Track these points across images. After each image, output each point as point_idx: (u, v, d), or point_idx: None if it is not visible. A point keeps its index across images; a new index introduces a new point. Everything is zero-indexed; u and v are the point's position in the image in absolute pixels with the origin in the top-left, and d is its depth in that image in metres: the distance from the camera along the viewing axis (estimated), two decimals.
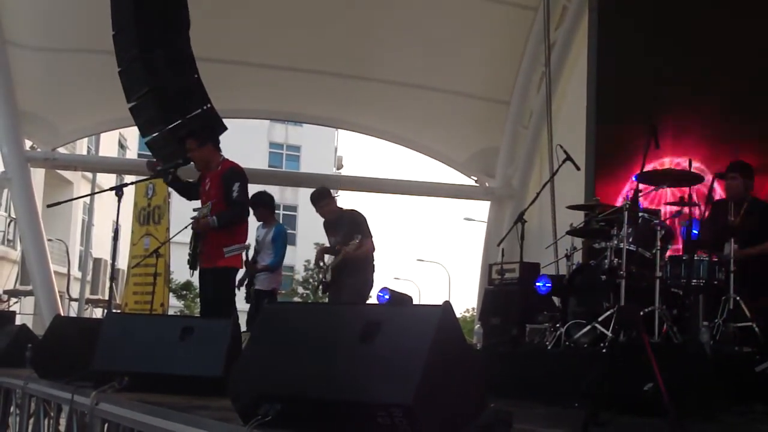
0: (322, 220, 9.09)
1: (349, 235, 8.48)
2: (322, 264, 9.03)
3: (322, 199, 9.07)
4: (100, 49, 10.64)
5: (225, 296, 7.70)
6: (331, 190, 9.45)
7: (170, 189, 12.96)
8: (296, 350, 3.43)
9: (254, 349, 3.64)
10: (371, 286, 8.93)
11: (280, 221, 10.52)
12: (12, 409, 7.98)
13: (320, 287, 9.06)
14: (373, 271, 8.92)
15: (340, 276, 8.70)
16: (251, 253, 9.47)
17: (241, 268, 7.94)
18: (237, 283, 8.72)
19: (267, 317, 3.63)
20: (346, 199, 46.27)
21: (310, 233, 44.60)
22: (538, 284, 8.86)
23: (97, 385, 5.15)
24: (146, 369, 5.21)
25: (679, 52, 10.01)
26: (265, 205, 9.71)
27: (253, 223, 8.84)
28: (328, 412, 3.23)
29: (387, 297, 8.48)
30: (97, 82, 12.60)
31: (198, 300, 35.97)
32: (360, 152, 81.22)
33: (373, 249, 8.84)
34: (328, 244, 9.20)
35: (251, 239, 9.60)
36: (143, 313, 11.43)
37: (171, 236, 11.82)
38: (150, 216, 13.01)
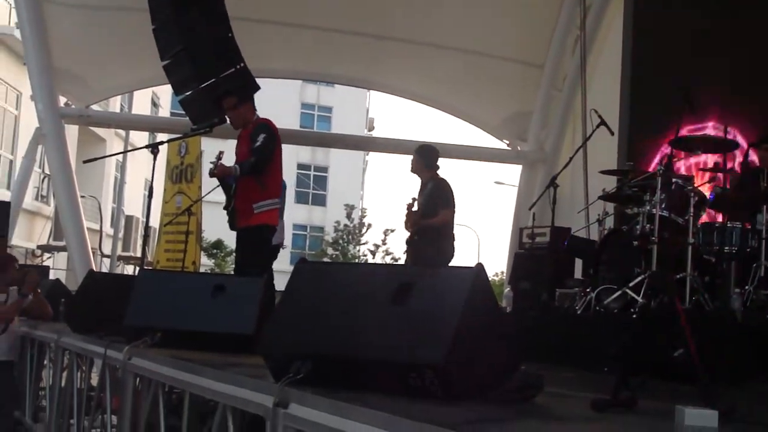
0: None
1: (430, 203, 8.39)
2: (409, 227, 8.81)
3: (423, 155, 8.88)
4: (135, 6, 10.65)
5: (258, 257, 7.59)
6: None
7: (203, 148, 13.06)
8: (328, 309, 3.45)
9: (286, 308, 3.66)
10: (451, 257, 8.72)
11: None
12: (45, 362, 8.09)
13: (407, 243, 8.89)
14: (454, 239, 8.76)
15: (422, 238, 8.61)
16: None
17: (276, 225, 7.82)
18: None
19: (300, 276, 3.64)
20: (377, 161, 46.24)
21: (339, 195, 44.69)
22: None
23: (129, 340, 5.20)
24: (178, 326, 5.25)
25: (719, 13, 9.87)
26: None
27: None
28: (359, 372, 3.25)
29: None
30: (131, 39, 12.64)
31: (228, 259, 36.12)
32: (391, 114, 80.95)
33: (452, 221, 8.71)
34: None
35: None
36: (175, 270, 11.50)
37: (203, 195, 11.85)
38: (182, 174, 13.06)
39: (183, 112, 9.73)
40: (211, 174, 7.37)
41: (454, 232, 8.79)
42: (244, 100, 7.66)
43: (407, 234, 8.76)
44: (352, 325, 3.31)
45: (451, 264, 8.74)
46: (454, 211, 8.66)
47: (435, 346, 3.02)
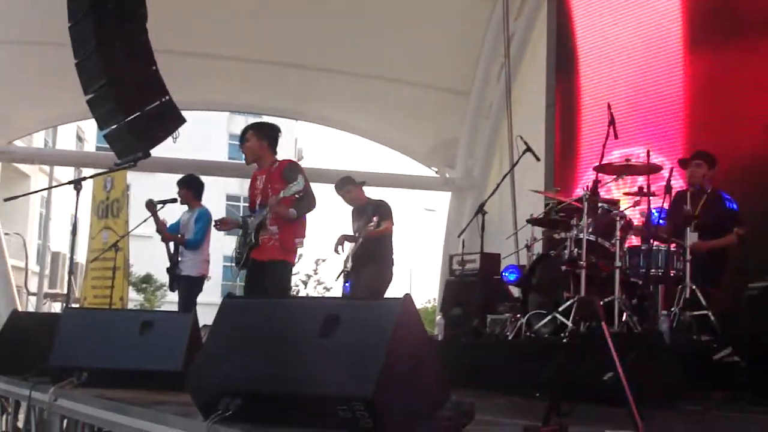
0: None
1: (370, 219, 8.45)
2: (340, 250, 8.91)
3: (344, 186, 8.99)
4: (57, 41, 10.50)
5: (286, 289, 7.58)
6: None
7: (129, 181, 12.93)
8: (256, 344, 3.41)
9: (214, 344, 3.61)
10: (390, 278, 8.84)
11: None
12: None
13: (341, 276, 8.93)
14: (393, 264, 8.87)
15: (359, 265, 8.65)
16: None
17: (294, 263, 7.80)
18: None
19: (226, 311, 3.60)
20: None
21: None
22: (504, 273, 8.91)
23: (55, 380, 5.09)
24: (105, 364, 5.16)
25: (635, 42, 10.06)
26: (189, 186, 9.59)
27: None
28: (288, 407, 3.21)
29: None
30: (53, 74, 12.44)
31: (158, 293, 35.56)
32: (320, 144, 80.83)
33: (392, 236, 8.77)
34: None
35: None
36: (102, 307, 11.32)
37: (131, 229, 11.70)
38: (109, 209, 12.88)
39: (108, 147, 9.60)
40: (272, 208, 7.21)
41: (393, 256, 8.86)
42: (263, 137, 7.59)
43: (341, 265, 8.81)
44: (281, 359, 3.28)
45: (389, 289, 8.84)
46: (392, 226, 8.77)
47: (364, 379, 3.00)
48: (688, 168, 7.51)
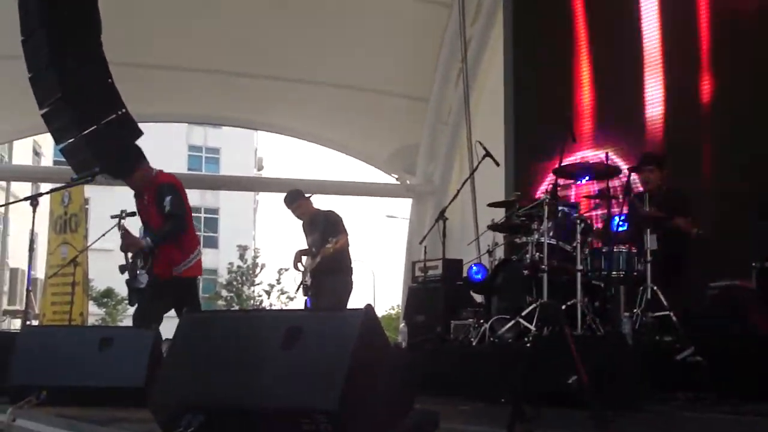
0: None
1: (325, 236, 8.43)
2: (300, 267, 8.89)
3: (294, 201, 8.96)
4: (8, 54, 10.39)
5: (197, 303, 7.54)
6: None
7: (87, 195, 12.80)
8: (218, 359, 3.37)
9: (175, 359, 3.57)
10: (351, 288, 8.84)
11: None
12: None
13: (301, 290, 8.92)
14: (352, 272, 8.88)
15: (320, 278, 8.63)
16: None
17: (201, 274, 7.74)
18: (120, 267, 8.67)
19: (186, 326, 3.56)
20: (268, 200, 45.97)
21: (232, 236, 44.22)
22: (470, 272, 8.90)
23: (14, 400, 5.01)
24: (65, 382, 5.09)
25: (591, 46, 10.12)
26: None
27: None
28: (252, 421, 3.18)
29: None
30: (7, 89, 12.32)
31: (119, 307, 35.28)
32: (280, 153, 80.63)
33: (348, 248, 8.79)
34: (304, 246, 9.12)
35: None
36: (62, 323, 11.19)
37: (90, 243, 11.58)
38: (67, 224, 12.76)
39: (64, 160, 9.49)
40: (122, 249, 7.23)
41: (352, 265, 8.86)
42: (134, 167, 7.53)
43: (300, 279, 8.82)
44: (243, 373, 3.25)
45: (351, 297, 8.84)
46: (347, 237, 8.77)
47: (327, 391, 2.97)
48: (641, 174, 7.56)
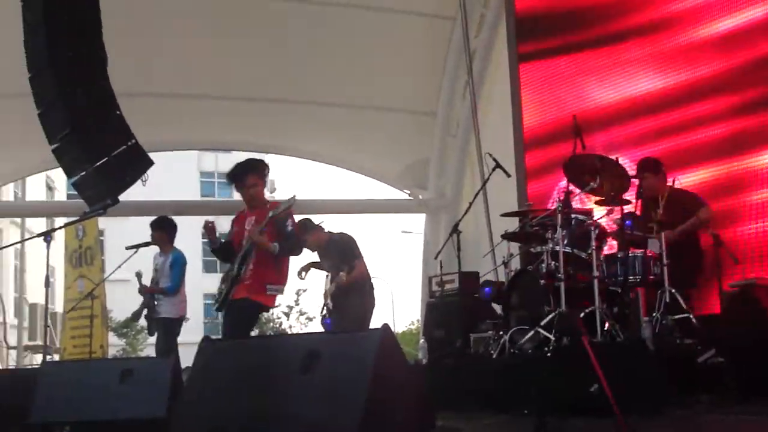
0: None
1: (341, 259, 8.48)
2: (303, 275, 8.93)
3: (304, 234, 8.95)
4: (16, 92, 10.44)
5: (246, 330, 7.39)
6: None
7: (101, 227, 12.84)
8: (237, 385, 3.38)
9: (194, 388, 3.57)
10: (373, 306, 9.03)
11: None
12: None
13: (322, 313, 8.99)
14: (372, 290, 9.03)
15: (340, 301, 8.69)
16: (146, 281, 9.51)
17: (273, 307, 7.74)
18: (132, 315, 8.72)
19: (205, 354, 3.56)
20: None
21: None
22: (481, 292, 8.90)
23: None
24: (88, 416, 5.10)
25: (597, 52, 10.10)
26: (163, 228, 9.58)
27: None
28: None
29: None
30: (17, 126, 12.37)
31: (139, 337, 35.34)
32: (292, 174, 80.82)
33: (366, 270, 8.83)
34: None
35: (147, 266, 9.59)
36: (83, 356, 11.23)
37: (106, 276, 11.63)
38: (82, 257, 12.81)
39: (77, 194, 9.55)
40: (253, 238, 7.13)
41: (372, 281, 8.93)
42: (263, 180, 7.53)
43: (321, 301, 8.90)
44: (263, 400, 3.25)
45: (372, 316, 8.98)
46: (362, 261, 8.81)
47: (348, 414, 2.97)
48: (641, 182, 7.56)
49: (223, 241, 7.62)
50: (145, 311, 9.43)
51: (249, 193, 7.56)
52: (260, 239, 7.13)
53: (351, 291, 8.68)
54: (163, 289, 9.34)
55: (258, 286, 7.26)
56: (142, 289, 9.47)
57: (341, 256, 8.58)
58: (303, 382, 3.17)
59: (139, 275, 9.42)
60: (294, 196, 7.10)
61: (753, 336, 5.89)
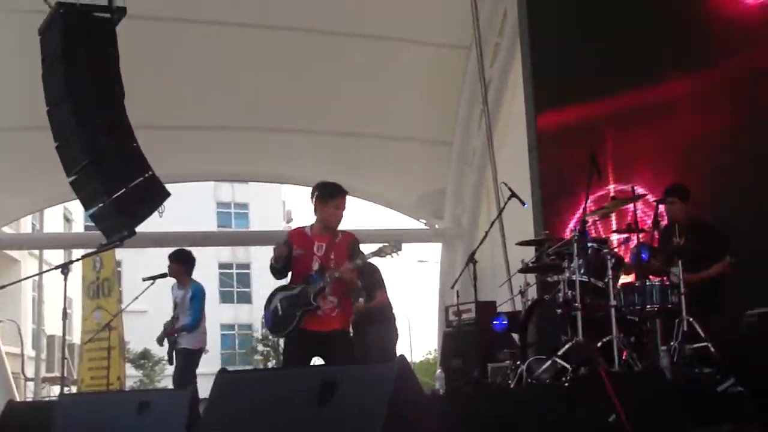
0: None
1: (364, 288, 8.37)
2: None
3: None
4: (35, 125, 10.53)
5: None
6: None
7: (118, 258, 12.89)
8: (254, 418, 3.37)
9: (211, 420, 3.57)
10: (397, 336, 8.98)
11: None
12: None
13: None
14: (395, 319, 8.95)
15: (362, 328, 8.58)
16: (166, 313, 9.53)
17: None
18: (157, 340, 8.71)
19: (221, 387, 3.56)
20: None
21: (264, 290, 44.27)
22: (495, 322, 8.86)
23: None
24: None
25: (615, 81, 10.10)
26: (180, 261, 9.53)
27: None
28: None
29: None
30: (35, 158, 12.47)
31: (156, 368, 35.32)
32: (309, 204, 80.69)
33: (388, 300, 8.83)
34: None
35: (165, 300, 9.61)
36: (100, 388, 11.24)
37: (123, 307, 11.66)
38: (99, 289, 12.85)
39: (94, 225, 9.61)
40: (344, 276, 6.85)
41: (394, 312, 8.88)
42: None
43: None
44: (280, 431, 3.24)
45: (396, 346, 8.96)
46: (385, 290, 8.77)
47: None
48: (666, 205, 7.54)
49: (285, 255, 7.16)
50: (166, 341, 9.42)
51: (340, 215, 7.37)
52: (353, 280, 6.93)
53: (375, 321, 8.64)
54: (184, 327, 9.32)
55: (347, 320, 7.12)
56: (163, 336, 9.43)
57: (364, 285, 8.55)
58: (320, 413, 3.17)
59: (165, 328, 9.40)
60: (389, 245, 6.89)
61: None
